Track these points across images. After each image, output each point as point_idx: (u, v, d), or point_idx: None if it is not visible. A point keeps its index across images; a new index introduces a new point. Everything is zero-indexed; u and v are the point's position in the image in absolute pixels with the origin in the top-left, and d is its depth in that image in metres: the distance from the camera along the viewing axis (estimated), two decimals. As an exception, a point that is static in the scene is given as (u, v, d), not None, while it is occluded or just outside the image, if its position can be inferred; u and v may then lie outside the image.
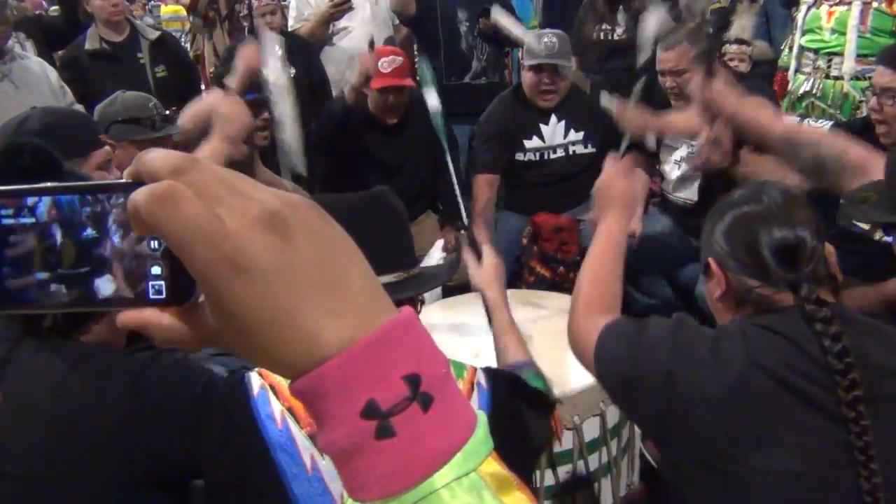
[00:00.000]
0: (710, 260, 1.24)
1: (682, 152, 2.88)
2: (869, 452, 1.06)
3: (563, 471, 1.93)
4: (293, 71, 3.47)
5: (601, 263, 1.42)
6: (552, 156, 3.05)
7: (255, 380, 1.10)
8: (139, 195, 0.35)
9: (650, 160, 3.01)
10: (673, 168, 2.91)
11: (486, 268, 1.61)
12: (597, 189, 1.51)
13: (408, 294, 1.15)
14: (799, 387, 1.11)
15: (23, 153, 1.22)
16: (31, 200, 0.40)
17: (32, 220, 0.40)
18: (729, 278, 1.22)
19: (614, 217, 1.46)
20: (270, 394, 1.08)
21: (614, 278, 1.40)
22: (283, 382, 1.07)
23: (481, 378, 1.15)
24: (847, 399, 1.07)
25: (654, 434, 1.28)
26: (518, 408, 1.23)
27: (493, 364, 1.55)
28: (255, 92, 2.67)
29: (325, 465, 1.02)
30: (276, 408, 1.06)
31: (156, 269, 0.39)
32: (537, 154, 3.05)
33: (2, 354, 1.11)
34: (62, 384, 1.11)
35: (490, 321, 1.57)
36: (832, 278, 1.21)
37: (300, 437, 1.04)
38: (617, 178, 1.49)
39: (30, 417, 1.09)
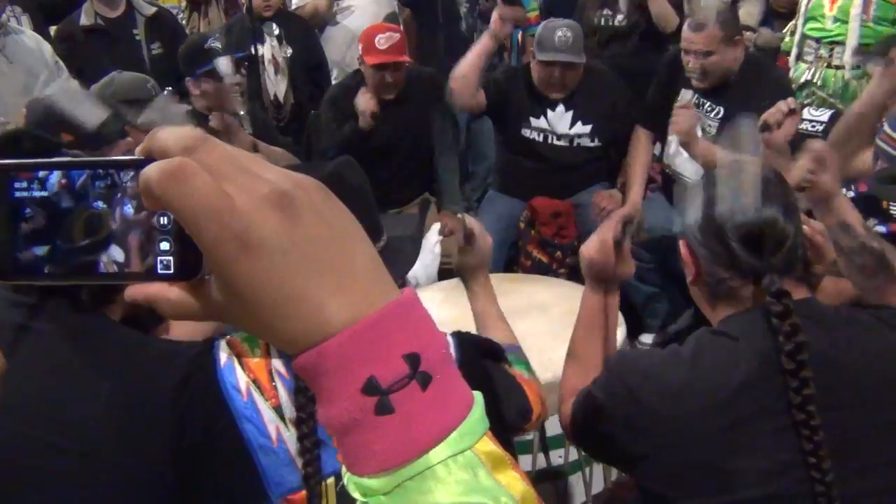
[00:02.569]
0: (681, 243, 1.22)
1: None
2: (819, 453, 1.02)
3: (556, 455, 1.94)
4: (290, 51, 3.45)
5: (583, 342, 1.42)
6: (555, 142, 3.02)
7: (223, 350, 1.11)
8: (151, 170, 0.36)
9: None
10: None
11: (475, 252, 1.53)
12: (586, 258, 1.45)
13: None
14: (755, 404, 1.07)
15: (22, 140, 1.22)
16: (43, 174, 0.41)
17: (45, 193, 0.41)
18: (699, 264, 1.19)
19: (596, 288, 1.43)
20: (236, 364, 1.09)
21: (596, 352, 1.39)
22: (248, 353, 1.09)
23: (450, 344, 1.16)
24: (797, 401, 1.03)
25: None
26: (488, 377, 1.23)
27: None
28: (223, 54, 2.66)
29: (290, 437, 1.05)
30: (242, 379, 1.07)
31: (164, 245, 0.40)
32: (541, 135, 3.02)
33: (17, 322, 1.10)
34: (115, 366, 1.11)
35: (472, 305, 1.54)
36: (808, 263, 1.17)
37: (265, 408, 1.06)
38: (608, 251, 1.40)
39: (69, 392, 1.09)
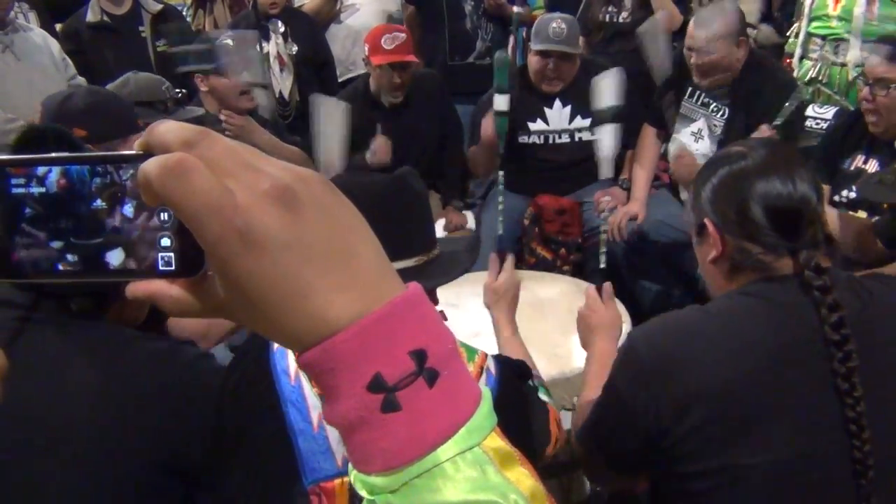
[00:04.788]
0: (707, 221, 1.19)
1: (700, 124, 2.82)
2: (861, 423, 1.04)
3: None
4: (295, 48, 3.46)
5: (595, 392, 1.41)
6: (557, 140, 3.02)
7: None
8: (150, 166, 0.35)
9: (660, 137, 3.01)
10: (690, 140, 2.85)
11: (497, 285, 1.60)
12: (580, 318, 1.55)
13: (426, 285, 1.14)
14: (793, 363, 1.08)
15: (46, 137, 1.23)
16: (41, 170, 0.39)
17: (43, 189, 0.39)
18: (726, 241, 1.17)
19: (602, 343, 1.49)
20: (289, 350, 1.10)
21: None
22: None
23: (491, 364, 1.16)
24: (842, 371, 1.05)
25: (646, 464, 1.24)
26: (524, 399, 1.24)
27: (493, 344, 1.56)
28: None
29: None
30: (292, 364, 1.09)
31: (165, 241, 0.39)
32: (541, 137, 3.02)
33: (10, 323, 1.11)
34: (105, 367, 1.12)
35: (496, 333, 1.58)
36: (828, 241, 1.18)
37: (311, 395, 1.07)
38: (599, 305, 1.53)
39: (60, 394, 1.10)
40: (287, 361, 1.09)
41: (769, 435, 1.07)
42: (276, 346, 1.11)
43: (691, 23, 2.71)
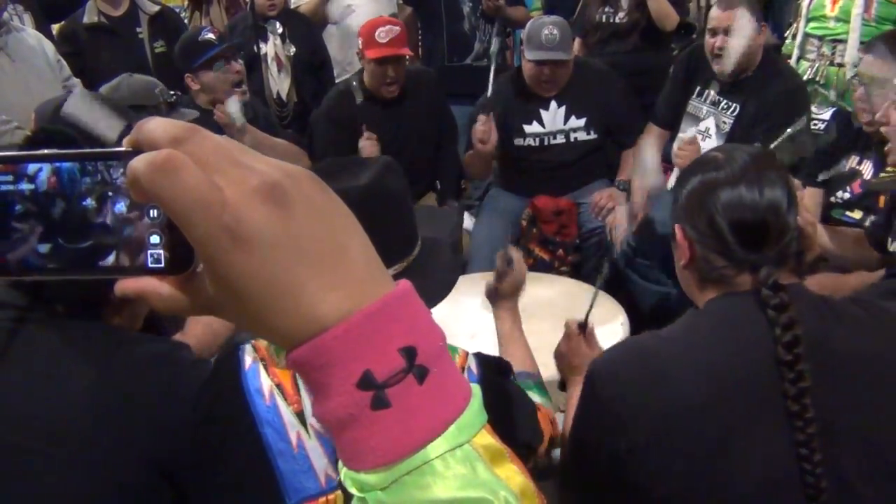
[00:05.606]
0: (676, 227, 1.18)
1: (708, 122, 2.81)
2: (812, 445, 1.01)
3: (557, 453, 1.93)
4: (293, 49, 3.46)
5: None
6: (552, 141, 3.03)
7: (249, 353, 1.10)
8: (139, 162, 0.35)
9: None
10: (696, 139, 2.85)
11: (513, 278, 1.57)
12: (559, 356, 1.54)
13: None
14: (747, 386, 1.05)
15: (53, 140, 1.23)
16: (31, 168, 0.40)
17: (32, 187, 0.39)
18: (694, 249, 1.16)
19: (577, 377, 1.46)
20: (261, 368, 1.08)
21: None
22: (275, 361, 1.08)
23: (472, 363, 1.15)
24: (792, 392, 1.01)
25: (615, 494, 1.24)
26: (507, 397, 1.22)
27: (490, 346, 1.55)
28: (218, 43, 2.65)
29: (311, 444, 1.03)
30: (266, 383, 1.06)
31: (155, 239, 0.39)
32: (537, 139, 3.03)
33: (7, 327, 1.10)
34: (99, 368, 1.11)
35: (498, 327, 1.57)
36: (799, 255, 1.15)
37: (287, 414, 1.04)
38: (580, 343, 1.51)
39: (54, 396, 1.09)
40: (259, 381, 1.06)
41: (726, 462, 1.04)
42: (247, 366, 1.08)
43: (714, 6, 2.73)
